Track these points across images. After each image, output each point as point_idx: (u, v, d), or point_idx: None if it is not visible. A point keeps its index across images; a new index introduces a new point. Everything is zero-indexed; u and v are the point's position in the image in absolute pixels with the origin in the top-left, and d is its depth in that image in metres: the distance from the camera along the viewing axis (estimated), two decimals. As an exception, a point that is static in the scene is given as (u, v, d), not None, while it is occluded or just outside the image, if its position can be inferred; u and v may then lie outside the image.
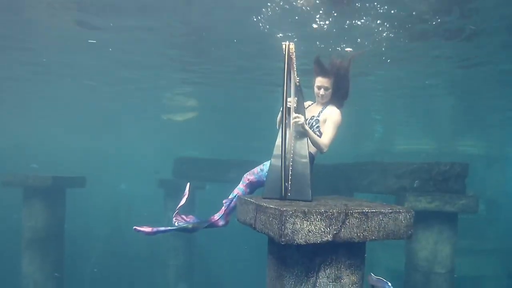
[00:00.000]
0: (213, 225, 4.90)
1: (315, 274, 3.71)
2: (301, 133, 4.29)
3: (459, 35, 8.50)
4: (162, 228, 4.83)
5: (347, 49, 9.25)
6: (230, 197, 4.87)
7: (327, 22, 8.02)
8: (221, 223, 4.88)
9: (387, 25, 8.02)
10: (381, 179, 8.79)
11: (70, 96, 16.95)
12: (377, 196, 18.04)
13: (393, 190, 8.51)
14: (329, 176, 9.94)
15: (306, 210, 3.40)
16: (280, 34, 8.65)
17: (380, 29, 8.24)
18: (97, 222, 22.84)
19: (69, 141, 31.86)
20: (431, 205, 7.49)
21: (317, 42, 9.19)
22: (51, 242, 10.29)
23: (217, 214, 4.90)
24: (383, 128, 23.53)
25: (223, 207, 4.90)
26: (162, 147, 32.90)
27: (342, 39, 8.89)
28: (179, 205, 4.96)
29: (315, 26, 8.17)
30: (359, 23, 7.96)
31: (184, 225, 4.92)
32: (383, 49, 9.43)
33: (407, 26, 8.03)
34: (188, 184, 5.12)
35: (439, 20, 7.73)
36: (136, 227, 4.73)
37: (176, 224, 4.93)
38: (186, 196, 5.01)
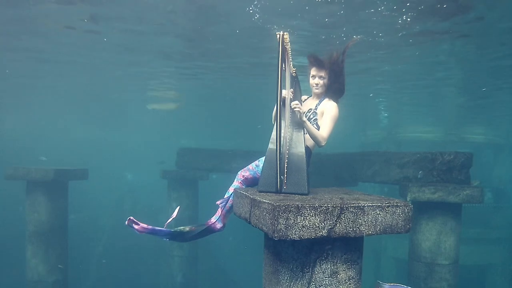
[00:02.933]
0: (210, 230, 4.72)
1: (310, 269, 3.64)
2: (298, 125, 4.18)
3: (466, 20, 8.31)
4: (158, 228, 4.62)
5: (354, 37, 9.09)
6: (225, 196, 4.70)
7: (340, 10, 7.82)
8: (218, 226, 4.70)
9: (404, 10, 7.79)
10: (385, 169, 8.69)
11: (73, 87, 16.97)
12: (383, 186, 18.07)
13: (396, 180, 8.42)
14: (334, 165, 9.86)
15: (299, 205, 3.32)
16: (275, 27, 8.52)
17: (405, 17, 8.05)
18: (103, 212, 22.99)
19: (75, 133, 32.03)
20: (435, 195, 7.36)
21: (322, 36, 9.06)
22: (54, 234, 10.30)
23: (214, 216, 4.73)
24: (389, 116, 23.35)
25: (219, 209, 4.72)
26: (167, 138, 32.96)
27: (351, 28, 8.73)
28: (167, 222, 4.69)
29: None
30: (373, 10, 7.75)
31: (180, 228, 4.78)
32: (400, 34, 9.22)
33: (419, 8, 7.78)
34: (178, 207, 4.95)
35: (444, 6, 7.53)
36: (132, 218, 4.51)
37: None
38: (173, 217, 4.79)
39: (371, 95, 16.99)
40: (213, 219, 4.72)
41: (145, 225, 4.53)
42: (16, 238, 13.37)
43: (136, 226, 4.49)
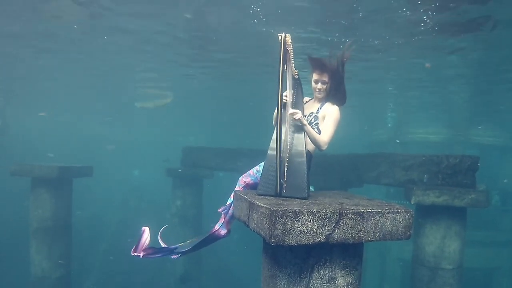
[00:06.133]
0: (215, 237, 4.68)
1: (308, 274, 3.59)
2: (298, 129, 4.12)
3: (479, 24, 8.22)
4: (164, 247, 4.55)
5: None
6: (228, 203, 4.64)
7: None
8: (222, 232, 4.66)
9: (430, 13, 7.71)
10: (390, 171, 8.60)
11: (79, 84, 17.03)
12: (389, 188, 17.92)
13: (401, 182, 8.33)
14: (339, 166, 9.77)
15: (297, 210, 3.27)
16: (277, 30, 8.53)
17: (427, 20, 7.98)
18: (108, 208, 23.08)
19: (82, 130, 32.17)
20: (439, 199, 7.27)
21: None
22: (58, 231, 10.36)
23: (217, 224, 4.69)
24: (396, 117, 23.19)
25: (222, 216, 4.67)
26: (173, 136, 32.98)
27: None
28: (160, 233, 4.62)
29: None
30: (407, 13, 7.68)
31: (185, 241, 4.71)
32: (415, 39, 9.16)
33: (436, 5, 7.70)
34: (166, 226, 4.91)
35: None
36: (139, 249, 4.39)
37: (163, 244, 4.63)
38: (162, 230, 4.71)
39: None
40: (216, 227, 4.69)
41: (151, 250, 4.48)
42: (22, 234, 13.44)
43: (143, 253, 4.43)
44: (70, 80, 16.06)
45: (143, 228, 4.49)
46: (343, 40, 9.19)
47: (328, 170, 9.80)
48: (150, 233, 4.48)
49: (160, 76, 15.21)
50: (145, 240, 4.43)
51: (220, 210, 4.67)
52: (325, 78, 4.30)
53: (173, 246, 4.67)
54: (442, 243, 7.62)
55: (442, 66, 11.99)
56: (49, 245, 10.28)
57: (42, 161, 11.53)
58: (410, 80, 14.19)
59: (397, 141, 21.67)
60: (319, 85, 4.33)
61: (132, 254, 4.42)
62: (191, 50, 11.20)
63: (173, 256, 4.69)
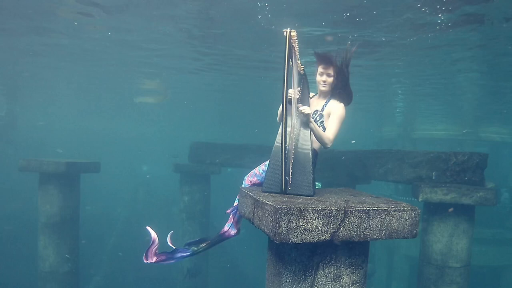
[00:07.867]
0: (225, 237, 4.67)
1: (313, 272, 3.56)
2: (304, 125, 4.08)
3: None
4: (177, 252, 4.50)
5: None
6: (235, 204, 4.63)
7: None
8: (232, 232, 4.65)
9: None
10: (397, 168, 8.55)
11: (87, 80, 17.08)
12: (398, 184, 17.85)
13: (409, 179, 8.28)
14: (347, 162, 9.73)
15: (302, 207, 3.24)
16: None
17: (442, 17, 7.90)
18: (117, 203, 23.19)
19: (92, 126, 32.31)
20: (447, 197, 7.20)
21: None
22: (66, 226, 10.43)
23: (226, 224, 4.67)
24: (406, 113, 23.04)
25: (230, 216, 4.65)
26: (182, 131, 33.01)
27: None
28: (169, 237, 4.60)
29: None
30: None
31: (196, 248, 4.67)
32: (429, 34, 9.07)
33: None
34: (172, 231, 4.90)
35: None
36: (150, 255, 4.38)
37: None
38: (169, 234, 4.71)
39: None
40: (226, 227, 4.68)
41: (163, 256, 4.46)
42: (30, 229, 13.56)
43: (156, 259, 4.42)
44: (73, 76, 16.12)
45: (153, 235, 4.44)
46: (353, 35, 9.11)
47: (336, 166, 9.76)
48: (158, 234, 4.43)
49: (165, 72, 15.20)
50: (155, 246, 4.42)
51: (228, 211, 4.66)
52: (330, 71, 4.27)
53: (184, 253, 4.60)
54: (449, 241, 7.55)
55: (452, 62, 11.87)
56: (57, 240, 10.36)
57: (52, 156, 11.61)
58: (419, 77, 14.06)
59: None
60: (324, 77, 4.30)
61: (145, 262, 4.40)
62: (197, 43, 11.17)
63: (186, 258, 4.68)
